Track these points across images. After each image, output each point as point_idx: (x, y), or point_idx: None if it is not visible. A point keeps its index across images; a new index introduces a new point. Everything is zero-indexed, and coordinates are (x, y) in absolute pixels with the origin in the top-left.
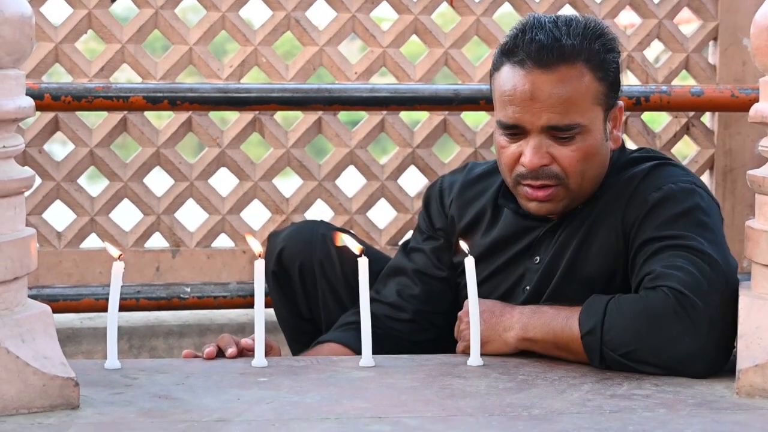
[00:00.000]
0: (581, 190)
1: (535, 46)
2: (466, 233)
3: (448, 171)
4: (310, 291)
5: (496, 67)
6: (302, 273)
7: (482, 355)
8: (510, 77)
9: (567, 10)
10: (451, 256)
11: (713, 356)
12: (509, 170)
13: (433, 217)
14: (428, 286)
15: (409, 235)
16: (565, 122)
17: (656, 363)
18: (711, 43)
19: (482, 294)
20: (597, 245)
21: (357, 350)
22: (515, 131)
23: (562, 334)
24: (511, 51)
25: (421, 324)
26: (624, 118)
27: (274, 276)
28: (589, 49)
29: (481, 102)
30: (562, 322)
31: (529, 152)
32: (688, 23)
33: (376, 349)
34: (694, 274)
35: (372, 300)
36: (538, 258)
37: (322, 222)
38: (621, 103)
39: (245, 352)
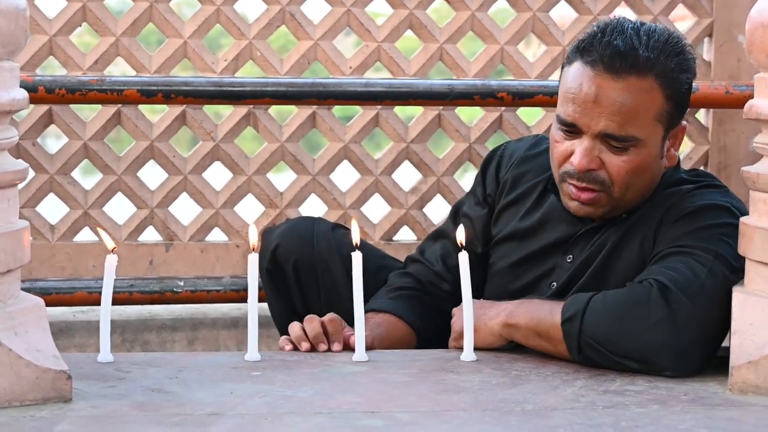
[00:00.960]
0: (624, 200)
1: (610, 50)
2: (510, 206)
3: (443, 167)
4: (305, 288)
5: (568, 61)
6: (297, 270)
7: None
8: (578, 75)
9: (562, 6)
10: (491, 227)
11: (688, 355)
12: (558, 165)
13: (487, 181)
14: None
15: (402, 230)
16: (621, 133)
17: (630, 353)
18: (706, 39)
19: (508, 278)
20: (627, 254)
21: (411, 323)
22: (571, 129)
23: (544, 321)
24: (586, 49)
25: (457, 296)
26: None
27: (268, 273)
28: (664, 65)
29: (476, 97)
30: (546, 310)
31: (579, 154)
32: (683, 20)
33: (426, 315)
34: (686, 274)
35: (415, 261)
36: (571, 257)
37: (318, 218)
38: (685, 123)
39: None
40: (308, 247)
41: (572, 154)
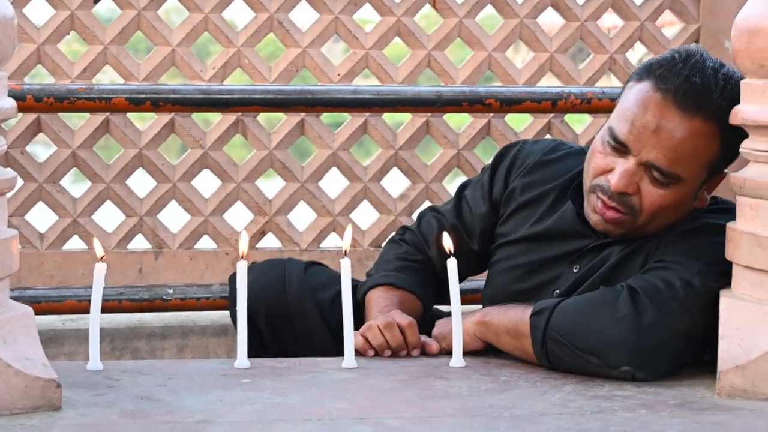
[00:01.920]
0: (645, 228)
1: (687, 86)
2: (521, 209)
3: (431, 173)
4: (278, 334)
5: (638, 78)
6: (270, 318)
7: (448, 350)
8: (645, 98)
9: (549, 13)
10: (494, 227)
11: (650, 356)
12: (593, 176)
13: (495, 180)
14: (457, 244)
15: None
16: (668, 169)
17: (591, 347)
18: (693, 45)
19: (511, 280)
20: (629, 270)
21: (425, 302)
22: (620, 147)
23: (514, 318)
24: (663, 76)
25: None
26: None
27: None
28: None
29: (464, 104)
30: (519, 309)
31: (619, 174)
32: (671, 26)
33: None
34: (657, 284)
35: (413, 233)
36: (578, 267)
37: (288, 261)
38: (726, 172)
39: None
40: (280, 294)
41: (611, 170)
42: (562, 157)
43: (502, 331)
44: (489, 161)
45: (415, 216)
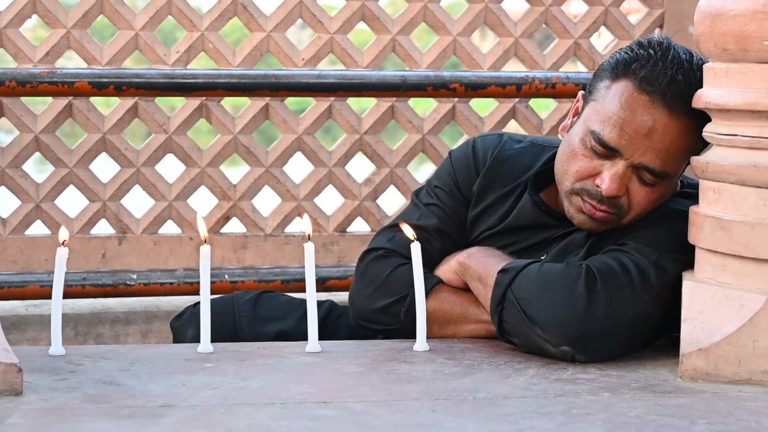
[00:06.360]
0: (628, 222)
1: (674, 87)
2: (482, 213)
3: (396, 158)
4: None
5: (614, 77)
6: None
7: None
8: (632, 101)
9: None
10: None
11: (589, 340)
12: (576, 179)
13: (459, 179)
14: (447, 244)
15: (358, 222)
16: (660, 169)
17: (539, 319)
18: (657, 30)
19: None
20: (594, 254)
21: None
22: (608, 152)
23: (487, 268)
24: (646, 78)
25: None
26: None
27: None
28: None
29: (429, 88)
30: (496, 261)
31: (610, 179)
32: (637, 12)
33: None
34: (614, 269)
35: (385, 249)
36: (545, 254)
37: (234, 297)
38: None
39: None
40: (232, 337)
41: (598, 174)
42: (515, 155)
43: (475, 276)
44: (446, 156)
45: (380, 203)
